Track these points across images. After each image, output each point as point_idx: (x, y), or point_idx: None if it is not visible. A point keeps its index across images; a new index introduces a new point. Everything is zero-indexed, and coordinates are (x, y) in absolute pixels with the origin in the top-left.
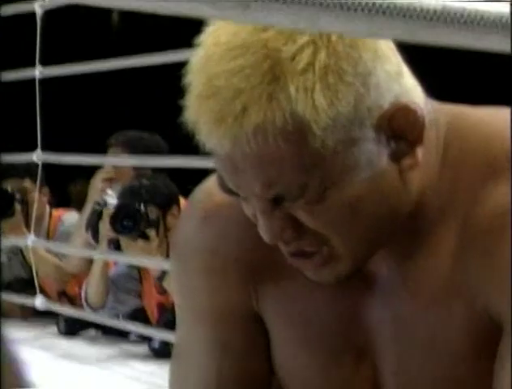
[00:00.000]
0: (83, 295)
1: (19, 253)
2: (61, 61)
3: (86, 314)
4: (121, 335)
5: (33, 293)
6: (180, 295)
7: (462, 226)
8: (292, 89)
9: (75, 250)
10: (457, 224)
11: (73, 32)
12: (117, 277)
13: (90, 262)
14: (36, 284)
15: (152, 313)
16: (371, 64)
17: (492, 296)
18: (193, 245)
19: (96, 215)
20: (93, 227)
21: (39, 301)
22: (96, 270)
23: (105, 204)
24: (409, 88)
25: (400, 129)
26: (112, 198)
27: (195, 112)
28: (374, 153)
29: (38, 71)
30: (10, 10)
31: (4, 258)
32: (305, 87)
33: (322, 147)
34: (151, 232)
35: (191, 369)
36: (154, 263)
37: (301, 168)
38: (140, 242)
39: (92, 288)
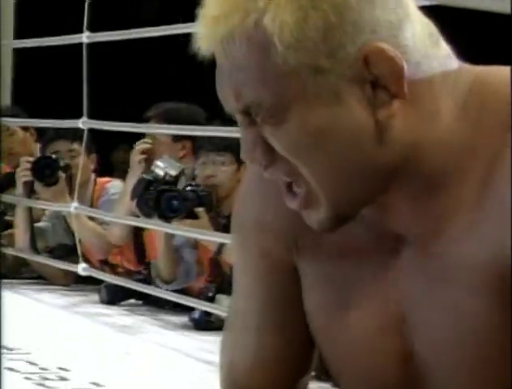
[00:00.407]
0: (152, 273)
1: (63, 219)
2: (109, 27)
3: (127, 283)
4: (162, 305)
5: (76, 260)
6: (235, 253)
7: (482, 180)
8: (262, 1)
9: (117, 218)
10: (476, 177)
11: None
12: (179, 248)
13: (133, 232)
14: (79, 251)
15: (205, 268)
16: (355, 0)
17: None
18: (248, 204)
19: (143, 186)
20: (139, 197)
21: (81, 268)
22: (160, 243)
23: (153, 174)
24: (406, 44)
25: (379, 75)
26: (160, 170)
27: (198, 21)
28: (344, 90)
29: (85, 37)
30: None
31: (48, 225)
32: (277, 2)
33: (283, 65)
34: (200, 211)
35: (238, 323)
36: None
37: (262, 81)
38: (188, 221)
39: (160, 262)
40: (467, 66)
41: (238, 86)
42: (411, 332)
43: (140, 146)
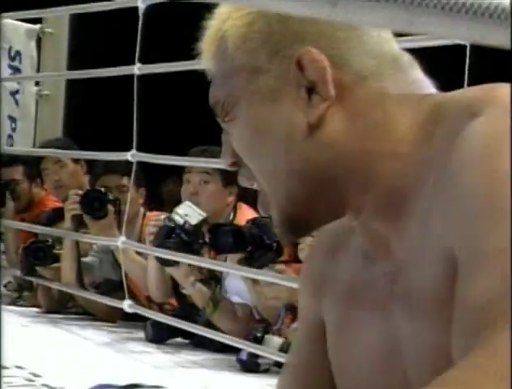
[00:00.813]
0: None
1: (110, 254)
2: (160, 59)
3: (172, 321)
4: (208, 345)
5: (122, 296)
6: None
7: (432, 188)
8: (227, 13)
9: (165, 253)
10: (428, 187)
11: (173, 30)
12: None
13: (170, 288)
14: (125, 286)
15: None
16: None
17: (451, 233)
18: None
19: (164, 233)
20: (160, 244)
21: (127, 304)
22: (249, 289)
23: (173, 221)
24: (350, 58)
25: (313, 81)
26: (179, 218)
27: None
28: (281, 91)
29: (137, 68)
30: (112, 5)
31: (95, 259)
32: (236, 14)
33: (232, 65)
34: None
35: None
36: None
37: (220, 82)
38: (279, 266)
39: (259, 307)
40: (437, 93)
41: (211, 89)
42: (405, 367)
43: (148, 228)
